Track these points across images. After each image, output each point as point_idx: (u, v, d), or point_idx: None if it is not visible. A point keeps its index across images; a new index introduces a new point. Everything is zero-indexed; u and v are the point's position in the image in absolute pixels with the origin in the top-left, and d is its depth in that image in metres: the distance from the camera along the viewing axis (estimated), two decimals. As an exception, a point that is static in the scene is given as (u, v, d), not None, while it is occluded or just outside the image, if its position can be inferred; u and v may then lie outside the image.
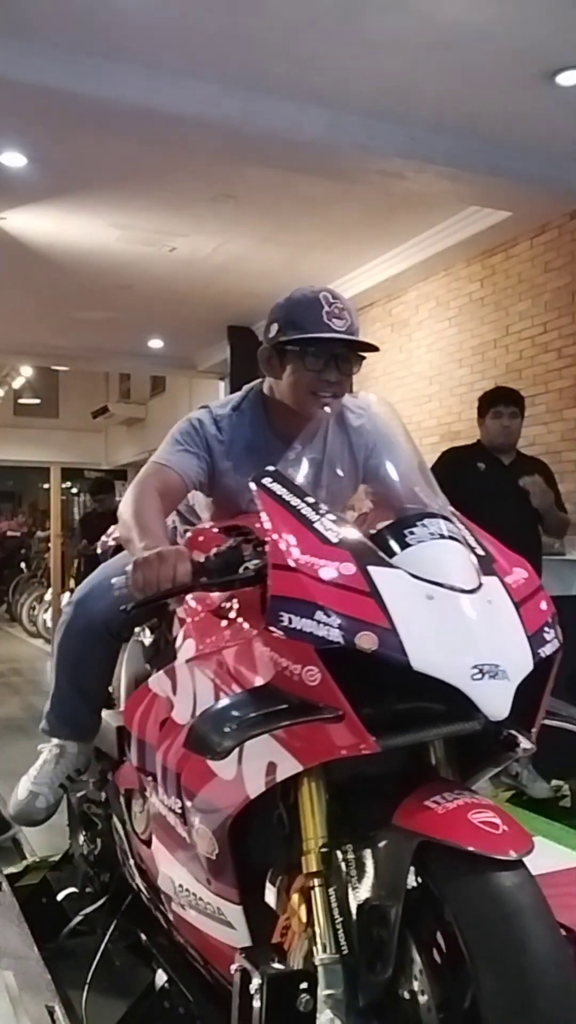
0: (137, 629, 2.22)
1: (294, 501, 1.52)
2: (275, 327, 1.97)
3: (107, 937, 2.26)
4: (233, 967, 1.36)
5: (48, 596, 10.95)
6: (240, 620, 1.60)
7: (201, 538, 1.90)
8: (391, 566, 1.41)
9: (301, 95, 4.13)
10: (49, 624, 10.47)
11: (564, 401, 5.21)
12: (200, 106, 4.06)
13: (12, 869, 3.00)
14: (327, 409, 1.91)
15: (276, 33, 3.67)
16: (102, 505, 7.82)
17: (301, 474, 1.66)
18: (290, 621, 1.33)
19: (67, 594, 10.29)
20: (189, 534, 2.02)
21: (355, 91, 4.09)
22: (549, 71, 3.91)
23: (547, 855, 3.08)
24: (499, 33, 3.63)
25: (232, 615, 1.63)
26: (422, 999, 1.25)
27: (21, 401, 14.04)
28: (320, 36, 3.68)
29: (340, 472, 1.98)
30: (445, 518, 1.53)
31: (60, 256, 6.41)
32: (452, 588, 1.39)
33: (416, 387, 6.55)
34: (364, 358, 1.95)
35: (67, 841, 2.86)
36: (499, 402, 4.00)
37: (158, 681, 1.79)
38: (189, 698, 1.63)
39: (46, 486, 14.74)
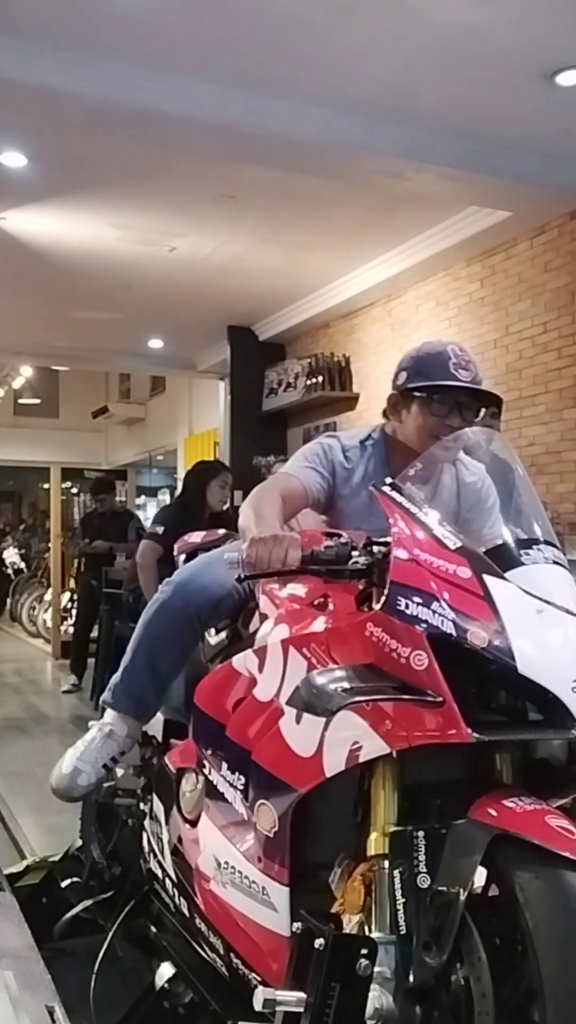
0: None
1: (412, 508, 1.62)
2: (404, 375, 2.17)
3: (113, 930, 2.28)
4: (295, 926, 1.40)
5: (48, 596, 10.95)
6: (333, 614, 1.68)
7: (307, 537, 1.98)
8: (504, 578, 1.49)
9: (301, 95, 4.13)
10: (49, 624, 10.47)
11: (564, 401, 5.21)
12: (200, 106, 4.06)
13: (12, 869, 3.00)
14: (449, 453, 2.02)
15: (276, 33, 3.67)
16: (102, 505, 7.82)
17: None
18: (407, 607, 1.42)
19: (67, 594, 10.31)
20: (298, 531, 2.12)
21: (355, 91, 4.10)
22: (549, 71, 3.90)
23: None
24: (499, 33, 3.63)
25: (325, 611, 1.71)
26: (477, 985, 1.29)
27: (21, 401, 14.04)
28: (320, 36, 3.68)
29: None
30: (553, 545, 1.62)
31: (60, 256, 6.41)
32: (560, 608, 1.47)
33: (416, 387, 6.54)
34: (488, 408, 2.15)
35: (67, 841, 2.86)
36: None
37: (243, 659, 1.84)
38: (277, 676, 1.68)
39: (46, 486, 14.74)
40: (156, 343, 9.18)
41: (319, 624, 1.67)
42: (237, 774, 1.75)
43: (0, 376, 12.68)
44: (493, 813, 1.33)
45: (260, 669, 1.75)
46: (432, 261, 6.10)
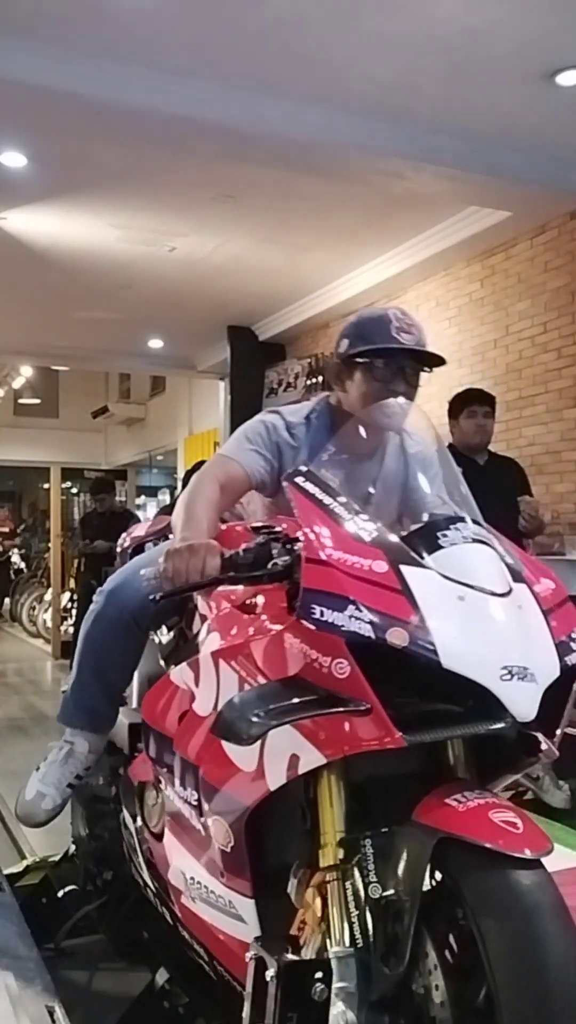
0: (151, 630, 2.24)
1: (327, 500, 1.54)
2: (345, 342, 2.05)
3: (108, 936, 2.27)
4: (248, 955, 1.37)
5: (48, 596, 10.95)
6: (265, 616, 1.61)
7: (231, 535, 1.92)
8: (423, 566, 1.42)
9: (301, 95, 4.13)
10: (49, 624, 10.47)
11: (564, 401, 5.21)
12: (200, 106, 4.06)
13: (12, 869, 3.00)
14: (394, 419, 1.96)
15: (276, 33, 3.67)
16: (102, 505, 7.82)
17: (357, 486, 1.71)
18: (322, 614, 1.34)
19: (67, 594, 10.32)
20: (221, 530, 2.03)
21: (355, 91, 4.10)
22: (549, 71, 3.90)
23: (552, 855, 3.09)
24: (499, 33, 3.63)
25: (257, 611, 1.65)
26: (436, 994, 1.25)
27: (21, 401, 14.04)
28: (320, 36, 3.68)
29: (389, 493, 2.03)
30: (477, 523, 1.55)
31: (60, 256, 6.41)
32: (483, 591, 1.41)
33: (416, 387, 6.55)
34: (430, 371, 2.02)
35: (67, 841, 2.86)
36: (473, 402, 4.04)
37: (180, 673, 1.80)
38: (212, 690, 1.63)
39: (46, 486, 14.74)
40: (156, 343, 9.18)
41: (248, 631, 1.61)
42: (189, 789, 1.70)
43: (0, 376, 12.68)
44: (437, 814, 1.30)
45: (196, 683, 1.71)
46: (432, 261, 6.09)
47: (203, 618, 1.85)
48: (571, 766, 3.69)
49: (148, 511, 12.89)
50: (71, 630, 9.15)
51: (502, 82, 4.00)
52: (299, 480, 1.59)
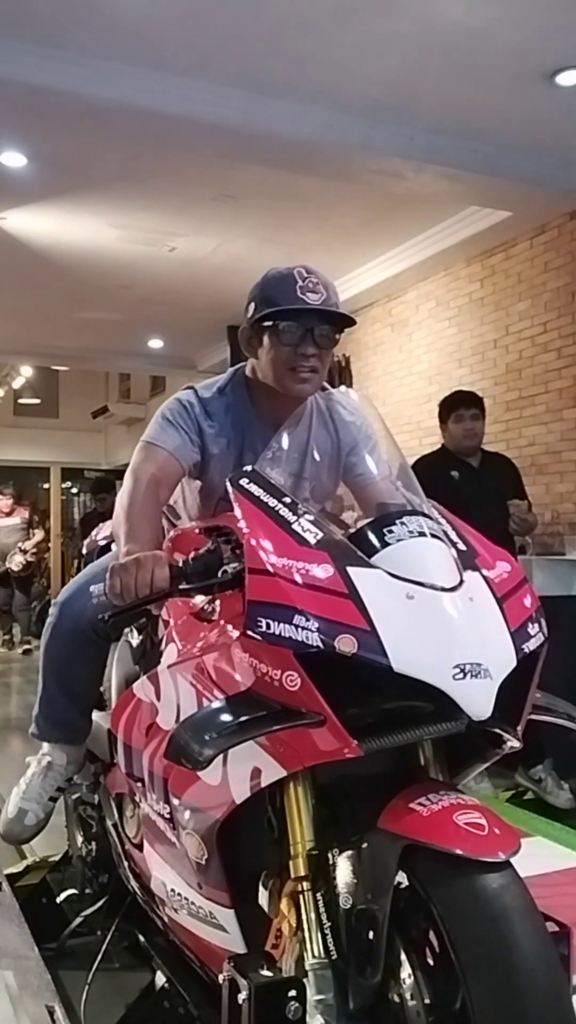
0: (126, 629, 2.20)
1: (271, 502, 1.49)
2: (252, 306, 1.94)
3: (107, 938, 2.27)
4: (221, 976, 1.34)
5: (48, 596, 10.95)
6: (222, 623, 1.58)
7: (182, 540, 1.89)
8: (370, 566, 1.38)
9: (301, 95, 4.13)
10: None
11: (564, 401, 5.21)
12: (200, 106, 4.06)
13: (12, 869, 2.99)
14: (306, 385, 1.88)
15: (276, 33, 3.67)
16: (103, 504, 7.82)
17: (284, 462, 1.64)
18: (268, 626, 1.31)
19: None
20: (171, 535, 1.99)
21: (355, 91, 4.09)
22: (549, 71, 3.90)
23: (547, 855, 3.09)
24: (499, 33, 3.63)
25: (214, 618, 1.61)
26: (411, 1002, 1.24)
27: (21, 401, 14.04)
28: (320, 36, 3.68)
29: (322, 464, 1.95)
30: (425, 515, 1.50)
31: (60, 256, 6.41)
32: (432, 587, 1.37)
33: (416, 387, 6.55)
34: (341, 331, 1.91)
35: (66, 842, 2.86)
36: (459, 405, 4.04)
37: (142, 687, 1.78)
38: (173, 704, 1.61)
39: (46, 486, 14.74)
40: (156, 343, 9.18)
41: (205, 643, 1.59)
42: (161, 803, 1.66)
43: (0, 376, 12.68)
44: (402, 821, 1.27)
45: (158, 697, 1.68)
46: (432, 261, 6.10)
47: (165, 624, 1.81)
48: (573, 766, 3.69)
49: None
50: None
51: (502, 82, 4.00)
52: (243, 482, 1.54)
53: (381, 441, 1.84)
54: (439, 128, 4.39)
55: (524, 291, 5.51)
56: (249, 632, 1.33)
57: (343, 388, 1.89)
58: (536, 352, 5.41)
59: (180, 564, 1.52)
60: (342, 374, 7.27)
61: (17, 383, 12.63)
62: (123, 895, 2.31)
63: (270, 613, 1.31)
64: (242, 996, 1.28)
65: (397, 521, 1.46)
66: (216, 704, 1.42)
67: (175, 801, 1.58)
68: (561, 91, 4.03)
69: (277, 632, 1.30)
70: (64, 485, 14.17)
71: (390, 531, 1.44)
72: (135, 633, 2.20)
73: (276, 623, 1.31)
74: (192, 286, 7.09)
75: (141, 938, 2.23)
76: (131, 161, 4.88)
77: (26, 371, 12.13)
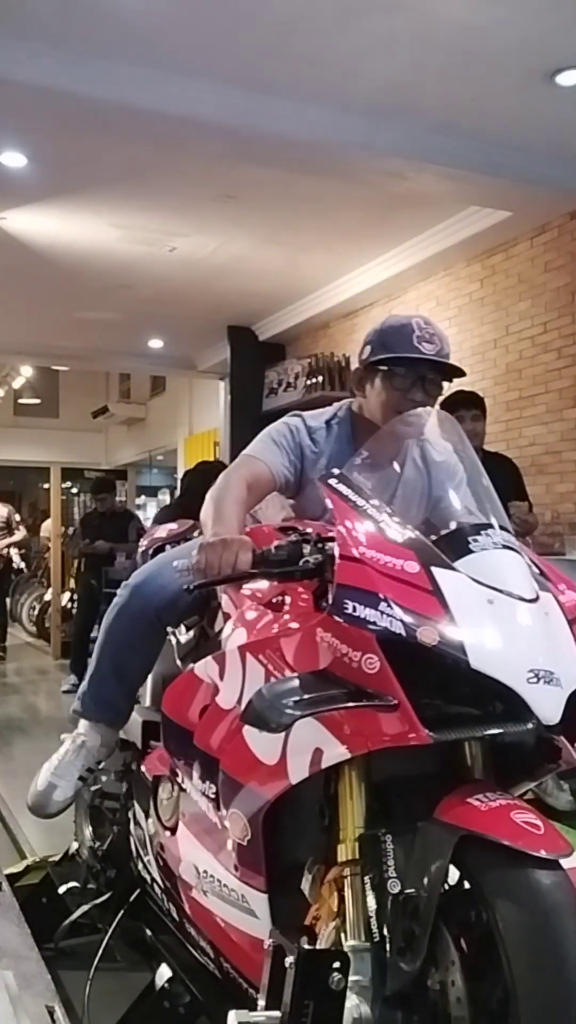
0: (170, 628, 2.27)
1: (360, 501, 1.58)
2: (368, 349, 2.08)
3: (109, 934, 2.28)
4: (266, 943, 1.39)
5: (48, 596, 10.94)
6: (290, 615, 1.64)
7: (257, 534, 1.95)
8: (453, 569, 1.46)
9: (301, 95, 4.13)
10: (48, 624, 10.46)
11: (564, 401, 5.21)
12: (200, 106, 4.06)
13: (12, 869, 3.00)
14: (411, 428, 1.98)
15: (276, 33, 3.67)
16: (103, 505, 7.82)
17: (377, 493, 1.72)
18: (354, 609, 1.38)
19: (67, 593, 10.31)
20: (247, 530, 2.05)
21: (355, 91, 4.09)
22: (549, 71, 3.90)
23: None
24: (499, 33, 3.62)
25: (282, 610, 1.68)
26: (452, 990, 1.27)
27: (21, 401, 14.04)
28: (320, 36, 3.68)
29: (410, 502, 2.04)
30: (506, 530, 1.58)
31: (60, 256, 6.41)
32: (512, 595, 1.43)
33: (416, 387, 6.55)
34: (451, 382, 2.07)
35: (67, 841, 2.86)
36: (459, 406, 4.02)
37: (204, 667, 1.81)
38: (237, 684, 1.65)
39: (46, 486, 14.74)
40: (156, 343, 9.18)
41: (275, 626, 1.64)
42: (207, 783, 1.71)
43: (0, 376, 12.68)
44: (459, 813, 1.31)
45: (221, 676, 1.72)
46: (432, 261, 6.09)
47: (226, 616, 1.88)
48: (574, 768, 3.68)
49: (148, 511, 12.88)
50: (71, 630, 9.13)
51: (503, 82, 4.00)
52: (332, 482, 1.64)
53: (460, 466, 1.90)
54: (440, 128, 4.39)
55: (524, 291, 5.51)
56: (335, 614, 1.40)
57: (427, 409, 1.99)
58: (536, 352, 5.41)
59: (263, 551, 1.62)
60: (342, 374, 7.27)
61: (17, 383, 12.63)
62: (129, 891, 2.33)
63: (357, 597, 1.39)
64: (289, 960, 1.31)
65: (482, 532, 1.54)
66: (292, 678, 1.47)
67: (226, 780, 1.63)
68: (561, 91, 4.03)
69: (362, 616, 1.37)
70: (64, 485, 14.16)
71: (475, 540, 1.52)
72: (183, 630, 2.27)
73: (362, 607, 1.38)
74: (192, 286, 7.09)
75: (148, 932, 2.25)
76: (131, 161, 4.88)
77: (26, 371, 12.13)
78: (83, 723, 2.34)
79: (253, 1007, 1.41)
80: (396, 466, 2.05)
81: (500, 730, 1.39)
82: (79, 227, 5.89)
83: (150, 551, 2.63)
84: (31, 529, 16.22)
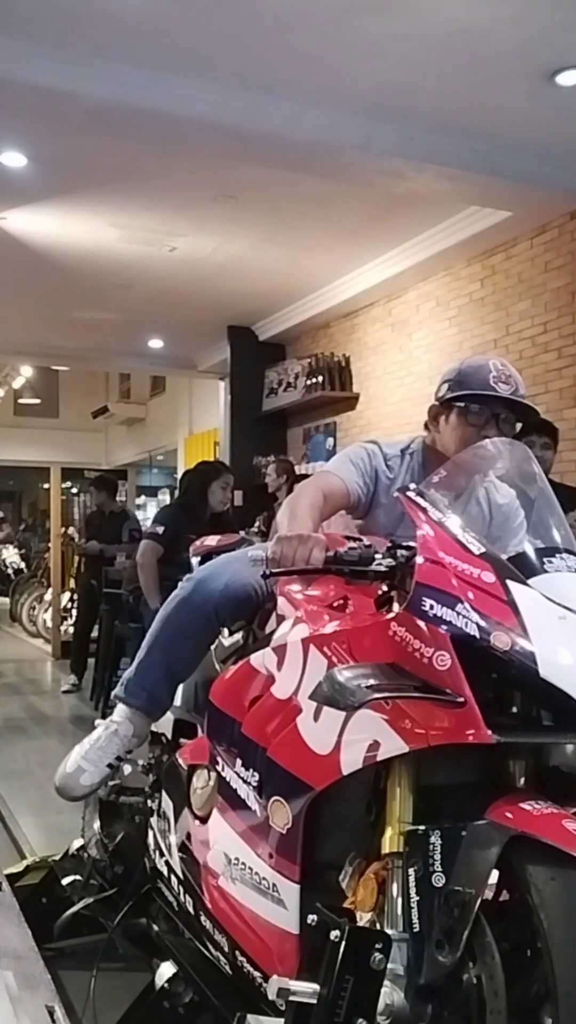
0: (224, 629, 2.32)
1: (437, 513, 1.64)
2: (445, 387, 2.22)
3: (113, 928, 2.28)
4: (311, 918, 1.41)
5: (48, 596, 10.94)
6: (353, 615, 1.70)
7: (330, 539, 2.00)
8: (527, 584, 1.51)
9: (301, 95, 4.13)
10: (49, 624, 10.46)
11: (564, 401, 5.21)
12: (200, 106, 4.06)
13: (12, 869, 3.00)
14: (485, 462, 2.02)
15: (276, 33, 3.67)
16: (104, 505, 7.81)
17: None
18: (432, 607, 1.44)
19: (67, 593, 10.31)
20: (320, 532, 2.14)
21: (355, 91, 4.09)
22: (549, 71, 3.90)
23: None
24: (499, 33, 3.62)
25: (345, 611, 1.74)
26: (488, 984, 1.29)
27: (21, 401, 14.06)
28: (320, 36, 3.68)
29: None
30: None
31: (60, 256, 6.41)
32: None
33: (416, 387, 6.55)
34: (523, 421, 2.20)
35: (67, 841, 2.86)
36: (531, 432, 3.94)
37: (261, 657, 1.85)
38: (296, 674, 1.69)
39: (46, 486, 14.74)
40: (156, 343, 9.18)
41: (338, 625, 1.69)
42: (252, 771, 1.77)
43: (0, 376, 12.68)
44: (510, 815, 1.35)
45: (279, 667, 1.76)
46: (432, 261, 6.09)
47: (280, 618, 1.92)
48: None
49: (148, 511, 12.89)
50: (71, 630, 9.13)
51: (502, 82, 4.00)
52: (411, 494, 1.70)
53: (543, 498, 1.92)
54: (439, 128, 4.39)
55: (524, 291, 5.51)
56: (413, 611, 1.46)
57: (496, 440, 2.04)
58: (536, 352, 5.41)
59: (335, 552, 1.71)
60: (342, 374, 7.27)
61: (17, 383, 12.64)
62: (138, 886, 2.34)
63: (436, 597, 1.45)
64: (335, 934, 1.33)
65: (557, 555, 1.59)
66: (363, 664, 1.52)
67: (272, 769, 1.66)
68: (561, 91, 4.03)
69: (440, 615, 1.44)
70: (64, 485, 14.16)
71: (550, 561, 1.57)
72: (226, 633, 2.33)
73: (440, 607, 1.44)
74: (192, 286, 7.09)
75: (154, 927, 2.26)
76: (131, 161, 4.88)
77: (26, 371, 12.14)
78: (121, 709, 2.36)
79: (264, 1003, 1.42)
80: (462, 501, 2.10)
81: (561, 739, 1.45)
82: (79, 227, 5.89)
83: (198, 558, 2.71)
84: (31, 529, 16.25)
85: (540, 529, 1.74)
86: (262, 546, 1.92)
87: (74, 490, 12.94)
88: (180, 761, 2.27)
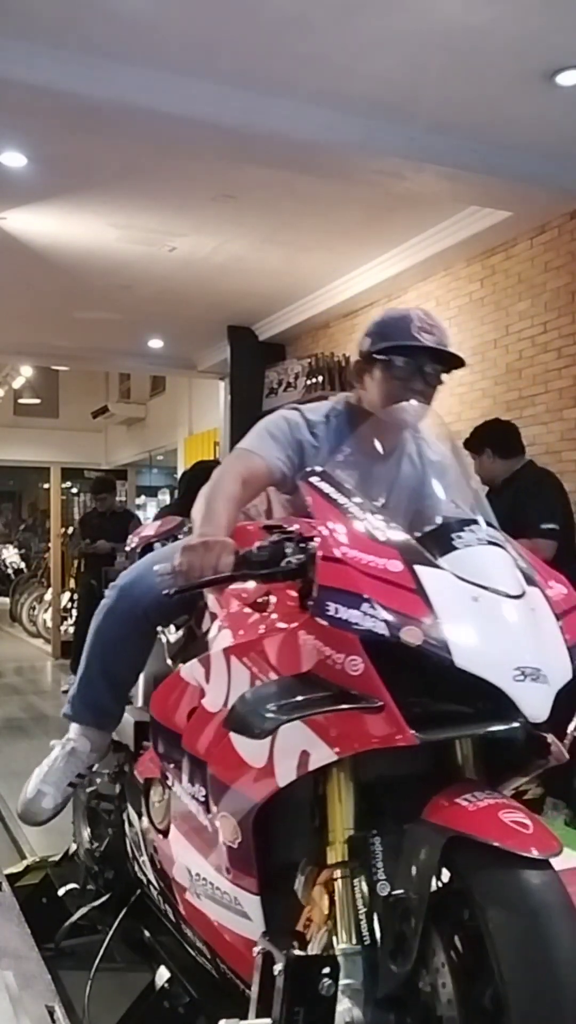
0: (160, 628, 2.25)
1: (341, 500, 1.56)
2: (367, 340, 2.06)
3: (110, 934, 2.27)
4: (255, 949, 1.37)
5: (48, 596, 10.95)
6: (276, 615, 1.62)
7: (242, 535, 1.92)
8: (437, 567, 1.44)
9: (300, 95, 4.13)
10: (49, 624, 10.46)
11: (564, 401, 5.21)
12: (200, 106, 4.05)
13: (12, 869, 3.00)
14: (410, 418, 1.97)
15: (276, 33, 3.67)
16: (103, 504, 7.82)
17: (373, 489, 1.72)
18: (336, 611, 1.36)
19: (67, 593, 10.32)
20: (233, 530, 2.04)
21: (355, 91, 4.09)
22: (549, 71, 3.90)
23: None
24: (499, 33, 3.62)
25: (268, 610, 1.66)
26: (443, 992, 1.26)
27: (21, 401, 14.04)
28: (320, 35, 3.67)
29: (403, 498, 2.01)
30: (491, 525, 1.56)
31: (60, 256, 6.41)
32: (497, 592, 1.42)
33: (416, 387, 6.55)
34: (450, 372, 2.04)
35: (67, 841, 2.86)
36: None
37: (190, 669, 1.81)
38: (223, 686, 1.64)
39: (46, 486, 14.74)
40: (156, 343, 9.17)
41: (261, 627, 1.63)
42: (197, 785, 1.70)
43: (0, 376, 12.68)
44: (447, 813, 1.30)
45: (207, 679, 1.71)
46: (432, 261, 6.09)
47: (213, 616, 1.86)
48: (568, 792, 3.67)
49: (148, 511, 12.88)
50: (71, 630, 9.13)
51: (502, 82, 3.99)
52: (314, 480, 1.61)
53: (453, 456, 1.89)
54: (439, 128, 4.39)
55: (524, 291, 5.51)
56: (317, 616, 1.37)
57: (423, 406, 1.96)
58: (536, 352, 5.41)
59: (245, 552, 1.58)
60: (342, 374, 7.26)
61: (17, 383, 12.63)
62: (128, 891, 2.32)
63: (339, 599, 1.37)
64: (277, 968, 1.30)
65: (466, 528, 1.51)
66: (276, 682, 1.46)
67: (215, 783, 1.61)
68: (561, 91, 4.03)
69: (345, 617, 1.35)
70: (64, 485, 14.16)
71: (459, 536, 1.49)
72: (172, 629, 2.26)
73: (345, 608, 1.36)
74: (192, 286, 7.09)
75: (146, 933, 2.25)
76: (131, 161, 4.88)
77: (26, 371, 12.13)
78: (74, 727, 2.32)
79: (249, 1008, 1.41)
80: (394, 462, 2.03)
81: (487, 729, 1.37)
82: (79, 227, 5.89)
83: (138, 549, 2.62)
84: (31, 529, 16.24)
85: (457, 496, 1.69)
86: (168, 554, 1.80)
87: (74, 490, 12.94)
88: (136, 774, 2.21)
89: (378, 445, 1.94)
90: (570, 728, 1.45)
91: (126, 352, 9.63)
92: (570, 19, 3.56)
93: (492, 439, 4.09)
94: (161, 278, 6.86)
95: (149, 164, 4.92)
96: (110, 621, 2.22)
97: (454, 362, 2.02)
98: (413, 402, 1.93)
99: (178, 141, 4.51)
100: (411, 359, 1.97)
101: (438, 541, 1.49)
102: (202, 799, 1.68)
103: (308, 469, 1.66)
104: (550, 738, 1.39)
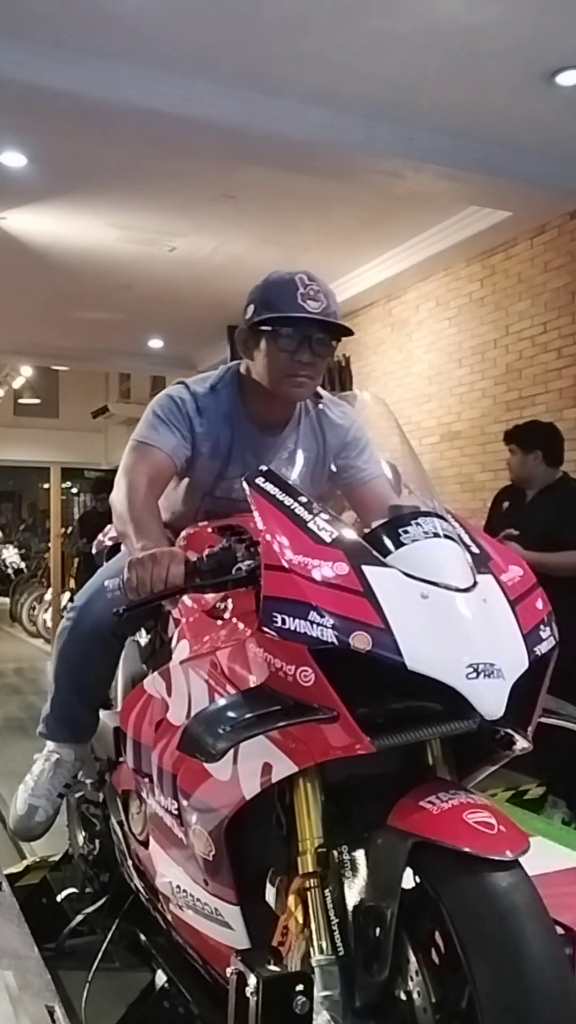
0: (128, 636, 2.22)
1: (287, 501, 1.50)
2: (251, 308, 1.96)
3: (108, 937, 2.27)
4: (229, 970, 1.35)
5: (48, 596, 10.95)
6: (234, 620, 1.59)
7: (196, 538, 1.90)
8: (385, 565, 1.40)
9: (301, 95, 4.13)
10: (49, 624, 10.47)
11: (564, 401, 5.21)
12: (200, 106, 4.06)
13: (12, 869, 3.00)
14: (301, 390, 1.91)
15: (276, 33, 3.67)
16: (102, 504, 7.82)
17: (269, 460, 1.67)
18: (283, 622, 1.32)
19: (67, 593, 10.31)
20: (184, 533, 2.00)
21: (355, 91, 4.09)
22: (549, 71, 3.90)
23: (546, 855, 3.08)
24: (499, 33, 3.62)
25: (226, 615, 1.62)
26: (418, 999, 1.25)
27: (21, 401, 14.04)
28: (320, 36, 3.67)
29: (308, 469, 1.97)
30: (439, 516, 1.51)
31: (60, 256, 6.41)
32: (447, 587, 1.38)
33: (416, 387, 6.55)
34: (339, 340, 1.94)
35: (67, 841, 2.86)
36: (506, 439, 4.03)
37: (153, 682, 1.78)
38: (184, 699, 1.62)
39: (46, 486, 14.74)
40: (156, 343, 9.17)
41: (220, 634, 1.60)
42: (169, 798, 1.67)
43: (0, 376, 12.68)
44: (411, 818, 1.28)
45: (168, 692, 1.69)
46: (432, 261, 6.09)
47: (176, 622, 1.83)
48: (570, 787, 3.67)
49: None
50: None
51: (502, 82, 3.99)
52: (259, 481, 1.55)
53: (394, 440, 1.84)
54: (439, 128, 4.39)
55: (524, 291, 5.51)
56: (264, 628, 1.34)
57: (355, 392, 1.91)
58: (536, 352, 5.41)
59: (195, 561, 1.53)
60: (342, 374, 7.26)
61: (17, 383, 12.63)
62: (124, 894, 2.31)
63: (285, 609, 1.33)
64: (250, 989, 1.28)
65: (412, 522, 1.47)
66: (229, 698, 1.43)
67: (184, 797, 1.59)
68: (561, 91, 4.03)
69: (292, 628, 1.31)
70: (64, 485, 14.17)
71: (405, 531, 1.45)
72: (143, 632, 2.22)
73: (291, 619, 1.32)
74: (192, 286, 7.09)
75: (143, 937, 2.24)
76: (131, 161, 4.88)
77: (26, 371, 12.13)
78: (51, 742, 2.31)
79: None
80: (290, 430, 1.99)
81: (444, 731, 1.35)
82: (79, 227, 5.89)
83: (103, 555, 2.57)
84: (31, 529, 16.25)
85: (396, 489, 1.64)
86: (117, 569, 1.73)
87: (74, 490, 12.94)
88: (115, 786, 2.18)
89: (271, 415, 1.90)
90: (535, 715, 1.43)
91: (126, 352, 9.63)
92: (570, 19, 3.56)
93: (546, 443, 3.99)
94: (161, 278, 6.86)
95: (149, 164, 4.92)
96: (74, 643, 2.18)
97: (341, 331, 1.93)
98: (298, 386, 1.88)
99: (178, 141, 4.51)
100: (297, 330, 1.87)
101: (386, 537, 1.45)
102: (175, 811, 1.65)
103: (255, 470, 1.58)
104: (507, 731, 1.37)
